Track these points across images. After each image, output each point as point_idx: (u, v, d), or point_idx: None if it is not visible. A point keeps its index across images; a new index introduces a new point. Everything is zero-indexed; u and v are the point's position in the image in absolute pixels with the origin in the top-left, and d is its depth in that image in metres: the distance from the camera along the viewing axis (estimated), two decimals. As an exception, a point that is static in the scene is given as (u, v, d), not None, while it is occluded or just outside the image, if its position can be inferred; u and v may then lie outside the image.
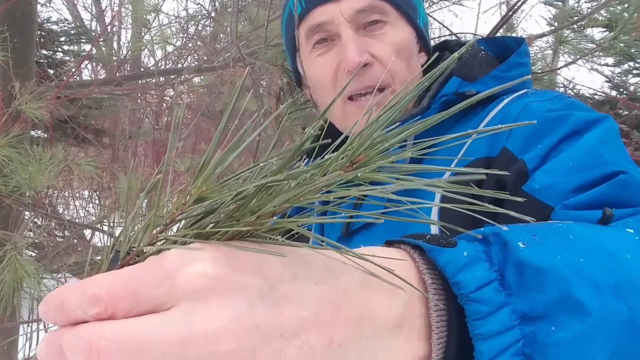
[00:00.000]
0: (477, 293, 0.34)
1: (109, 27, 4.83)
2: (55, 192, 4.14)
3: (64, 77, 2.91)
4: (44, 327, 3.16)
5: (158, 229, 0.31)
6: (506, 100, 0.73)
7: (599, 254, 0.38)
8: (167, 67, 4.38)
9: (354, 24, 0.77)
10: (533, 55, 1.81)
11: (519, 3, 1.50)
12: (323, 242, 0.33)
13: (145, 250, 0.31)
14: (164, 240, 0.32)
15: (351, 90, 0.78)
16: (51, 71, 3.54)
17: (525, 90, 0.76)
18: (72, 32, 3.99)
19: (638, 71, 3.54)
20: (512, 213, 0.33)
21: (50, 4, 4.42)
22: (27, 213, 2.38)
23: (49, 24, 3.84)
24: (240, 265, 0.29)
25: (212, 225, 0.31)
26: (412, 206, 0.32)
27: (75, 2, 5.36)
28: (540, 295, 0.35)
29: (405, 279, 0.33)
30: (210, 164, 0.30)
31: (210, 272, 0.29)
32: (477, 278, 0.34)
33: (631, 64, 3.42)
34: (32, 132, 2.99)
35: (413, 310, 0.33)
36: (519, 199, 0.36)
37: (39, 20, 3.44)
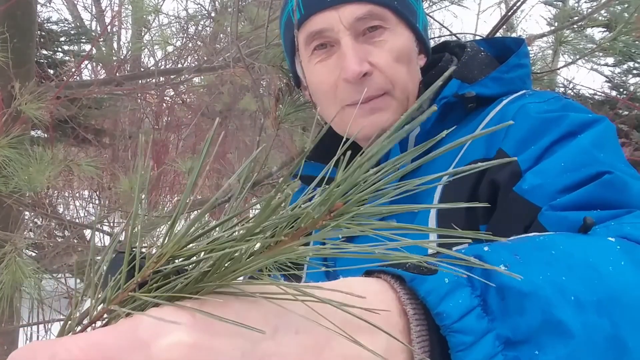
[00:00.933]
0: (460, 323, 0.33)
1: (109, 27, 4.83)
2: (55, 192, 4.14)
3: (64, 77, 2.91)
4: (44, 328, 3.16)
5: (127, 285, 0.30)
6: (505, 102, 0.73)
7: (580, 269, 0.38)
8: (167, 67, 4.37)
9: (353, 31, 0.76)
10: (533, 55, 1.81)
11: (519, 3, 1.50)
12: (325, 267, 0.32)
13: (116, 310, 0.30)
14: (134, 300, 0.30)
15: (352, 101, 0.78)
16: (51, 71, 3.54)
17: (523, 91, 0.76)
18: (72, 32, 3.98)
19: (638, 71, 3.54)
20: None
21: (50, 4, 4.42)
22: (27, 213, 2.38)
23: (49, 24, 3.83)
24: (218, 327, 0.28)
25: (185, 283, 0.30)
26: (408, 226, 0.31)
27: (75, 2, 5.36)
28: (523, 318, 0.34)
29: (388, 312, 0.32)
30: (179, 219, 0.30)
31: (188, 341, 0.27)
32: (460, 306, 0.34)
33: (631, 64, 3.41)
34: (32, 132, 2.99)
35: (396, 345, 0.33)
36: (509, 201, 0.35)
37: (39, 20, 3.44)
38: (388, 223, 0.30)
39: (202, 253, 0.30)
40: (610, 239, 0.44)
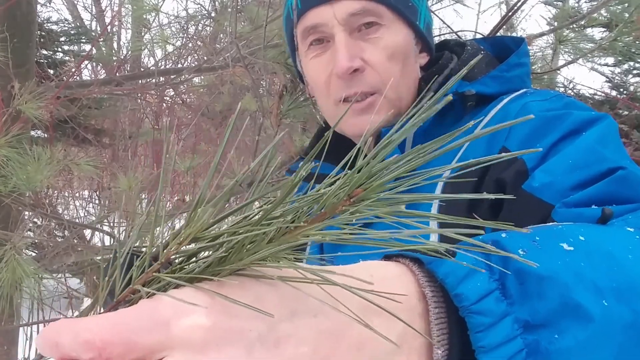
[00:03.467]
0: (479, 304, 0.33)
1: (109, 27, 4.83)
2: (55, 192, 4.14)
3: (64, 77, 2.91)
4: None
5: (152, 267, 0.32)
6: (505, 100, 0.73)
7: (599, 256, 0.38)
8: (167, 67, 4.37)
9: (347, 27, 0.76)
10: (533, 55, 1.81)
11: (519, 3, 1.50)
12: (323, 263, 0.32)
13: (139, 290, 0.31)
14: (157, 281, 0.31)
15: (342, 96, 0.78)
16: (51, 71, 3.54)
17: (524, 90, 0.75)
18: (72, 32, 3.98)
19: (638, 71, 3.53)
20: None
21: (50, 4, 4.42)
22: (26, 213, 2.38)
23: (49, 24, 3.83)
24: (237, 309, 0.29)
25: (206, 265, 0.31)
26: (411, 213, 0.31)
27: (75, 2, 5.36)
28: (542, 302, 0.34)
29: (406, 296, 0.33)
30: (204, 201, 0.30)
31: (206, 323, 0.28)
32: (478, 288, 0.34)
33: (631, 64, 3.41)
34: (33, 133, 2.98)
35: (414, 327, 0.33)
36: (513, 197, 0.36)
37: (39, 20, 3.44)
38: (408, 211, 0.31)
39: (224, 235, 0.30)
40: (629, 229, 0.44)
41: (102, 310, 0.32)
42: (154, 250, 0.32)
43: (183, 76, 3.23)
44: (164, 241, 0.32)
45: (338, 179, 0.31)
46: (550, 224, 0.47)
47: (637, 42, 1.68)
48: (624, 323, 0.35)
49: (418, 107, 0.29)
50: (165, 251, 0.31)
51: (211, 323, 0.28)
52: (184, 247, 0.31)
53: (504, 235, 0.39)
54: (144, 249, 0.32)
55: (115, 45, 5.21)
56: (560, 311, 0.34)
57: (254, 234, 0.29)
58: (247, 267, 0.31)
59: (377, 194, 0.29)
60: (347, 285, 0.30)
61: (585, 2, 3.16)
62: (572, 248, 0.38)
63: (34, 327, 3.09)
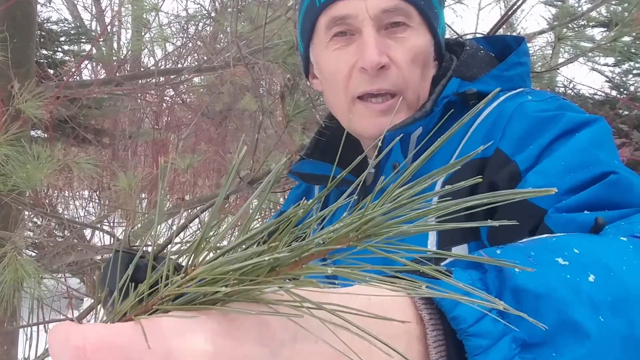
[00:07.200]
0: (476, 326, 0.33)
1: (109, 27, 4.83)
2: (55, 191, 4.14)
3: (64, 77, 2.91)
4: (44, 328, 3.16)
5: (152, 300, 0.30)
6: (501, 98, 0.73)
7: (594, 269, 0.38)
8: (167, 67, 4.37)
9: (376, 23, 0.76)
10: (533, 53, 1.81)
11: (519, 3, 1.50)
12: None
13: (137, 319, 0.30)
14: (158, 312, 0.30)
15: (363, 91, 0.77)
16: (51, 71, 3.54)
17: (521, 89, 0.76)
18: (72, 32, 3.98)
19: (638, 71, 3.53)
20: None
21: (50, 4, 4.42)
22: (26, 212, 2.38)
23: (49, 24, 3.83)
24: (241, 334, 0.28)
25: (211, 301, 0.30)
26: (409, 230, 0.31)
27: (75, 2, 5.36)
28: (539, 321, 0.34)
29: (404, 320, 0.33)
30: (206, 241, 0.30)
31: (209, 349, 0.27)
32: (475, 310, 0.34)
33: (631, 64, 3.41)
34: (32, 132, 2.98)
35: (412, 354, 0.33)
36: (508, 218, 0.36)
37: (39, 20, 3.44)
38: (415, 246, 0.31)
39: (232, 275, 0.29)
40: (622, 238, 0.44)
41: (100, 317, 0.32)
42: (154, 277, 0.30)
43: (183, 76, 3.23)
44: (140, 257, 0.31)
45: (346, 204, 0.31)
46: (544, 235, 0.47)
47: (637, 42, 1.68)
48: (620, 336, 0.35)
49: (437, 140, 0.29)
50: (168, 288, 0.30)
51: (214, 349, 0.27)
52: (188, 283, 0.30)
53: (498, 251, 0.39)
54: (134, 248, 0.32)
55: (115, 45, 5.21)
56: (557, 329, 0.34)
57: (262, 279, 0.28)
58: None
59: (388, 230, 0.29)
60: (356, 324, 0.29)
61: (585, 1, 3.16)
62: (567, 262, 0.38)
63: (34, 327, 3.09)
